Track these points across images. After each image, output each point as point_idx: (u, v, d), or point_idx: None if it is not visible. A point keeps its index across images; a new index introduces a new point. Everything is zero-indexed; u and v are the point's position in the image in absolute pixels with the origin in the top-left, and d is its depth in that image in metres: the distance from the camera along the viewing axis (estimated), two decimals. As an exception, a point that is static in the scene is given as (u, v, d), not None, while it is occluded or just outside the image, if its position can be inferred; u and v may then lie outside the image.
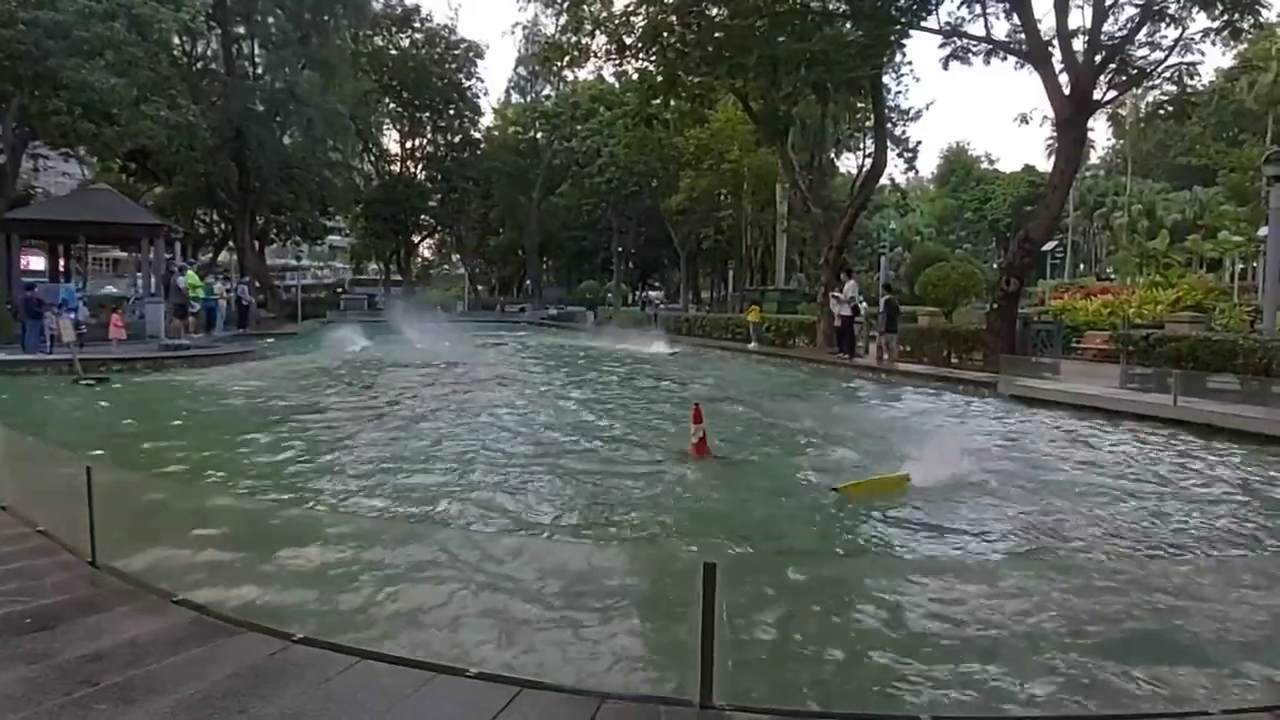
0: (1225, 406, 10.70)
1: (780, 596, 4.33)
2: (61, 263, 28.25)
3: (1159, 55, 17.50)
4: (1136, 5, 16.82)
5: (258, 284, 34.13)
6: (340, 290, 55.33)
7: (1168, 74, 17.73)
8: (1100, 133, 65.11)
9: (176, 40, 31.95)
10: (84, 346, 16.02)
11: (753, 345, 23.25)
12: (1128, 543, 5.64)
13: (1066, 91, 16.89)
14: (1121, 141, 59.85)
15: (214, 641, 2.98)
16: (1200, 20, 16.95)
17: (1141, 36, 17.25)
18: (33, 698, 2.51)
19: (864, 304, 20.74)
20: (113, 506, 4.22)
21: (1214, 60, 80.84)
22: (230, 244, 40.37)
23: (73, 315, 17.84)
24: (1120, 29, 17.09)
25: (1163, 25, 17.04)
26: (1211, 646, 3.79)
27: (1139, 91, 24.60)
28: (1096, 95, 17.28)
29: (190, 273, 22.83)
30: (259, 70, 36.03)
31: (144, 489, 5.44)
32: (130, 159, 30.04)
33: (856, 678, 3.50)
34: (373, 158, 53.52)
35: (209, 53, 34.78)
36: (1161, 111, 19.37)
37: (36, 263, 32.89)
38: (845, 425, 10.87)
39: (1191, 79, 17.73)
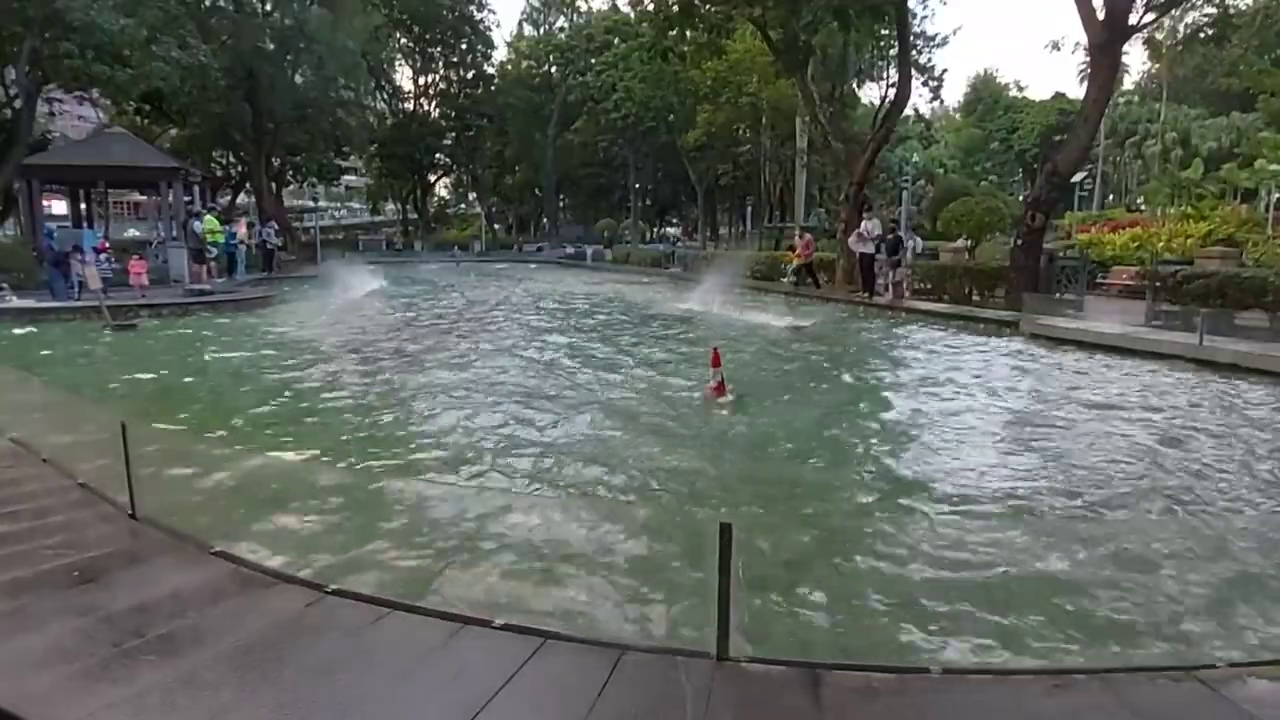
0: (1253, 345, 10.53)
1: (793, 548, 4.42)
2: (83, 207, 28.51)
3: (1199, -25, 16.71)
4: (1178, -78, 15.97)
5: (276, 225, 34.10)
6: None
7: (1208, -5, 16.93)
8: (1135, 57, 62.69)
9: (183, -24, 31.35)
10: (108, 293, 16.23)
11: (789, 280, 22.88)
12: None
13: (1101, 15, 16.23)
14: (1157, 66, 57.48)
15: (251, 593, 3.12)
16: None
17: (1182, -45, 16.44)
18: (85, 649, 2.65)
19: (914, 241, 21.02)
20: (150, 459, 4.37)
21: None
22: (247, 186, 40.37)
23: (99, 257, 18.08)
24: (1160, -53, 16.29)
25: (1205, -57, 16.24)
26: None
27: (1177, 13, 23.46)
28: (1132, 19, 16.56)
29: (209, 217, 22.84)
30: (267, 7, 35.34)
31: (178, 441, 5.61)
32: (144, 101, 29.84)
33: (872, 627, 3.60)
34: (386, 96, 52.77)
35: (216, -12, 34.09)
36: (1201, 35, 18.52)
37: (58, 207, 33.19)
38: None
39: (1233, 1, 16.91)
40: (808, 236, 23.30)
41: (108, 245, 21.59)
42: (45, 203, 27.55)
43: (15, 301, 15.77)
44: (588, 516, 4.68)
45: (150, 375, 9.58)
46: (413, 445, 6.48)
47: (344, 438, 6.61)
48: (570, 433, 6.87)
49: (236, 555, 3.48)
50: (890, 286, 18.82)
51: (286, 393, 8.63)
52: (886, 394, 9.18)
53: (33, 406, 6.19)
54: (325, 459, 6.03)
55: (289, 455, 5.94)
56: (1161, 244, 23.10)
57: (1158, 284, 15.24)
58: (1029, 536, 4.61)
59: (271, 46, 33.54)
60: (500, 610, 3.18)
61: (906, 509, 5.12)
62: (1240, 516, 5.04)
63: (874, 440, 6.94)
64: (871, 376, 10.59)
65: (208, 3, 33.03)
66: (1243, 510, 5.18)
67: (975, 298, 18.45)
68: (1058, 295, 17.75)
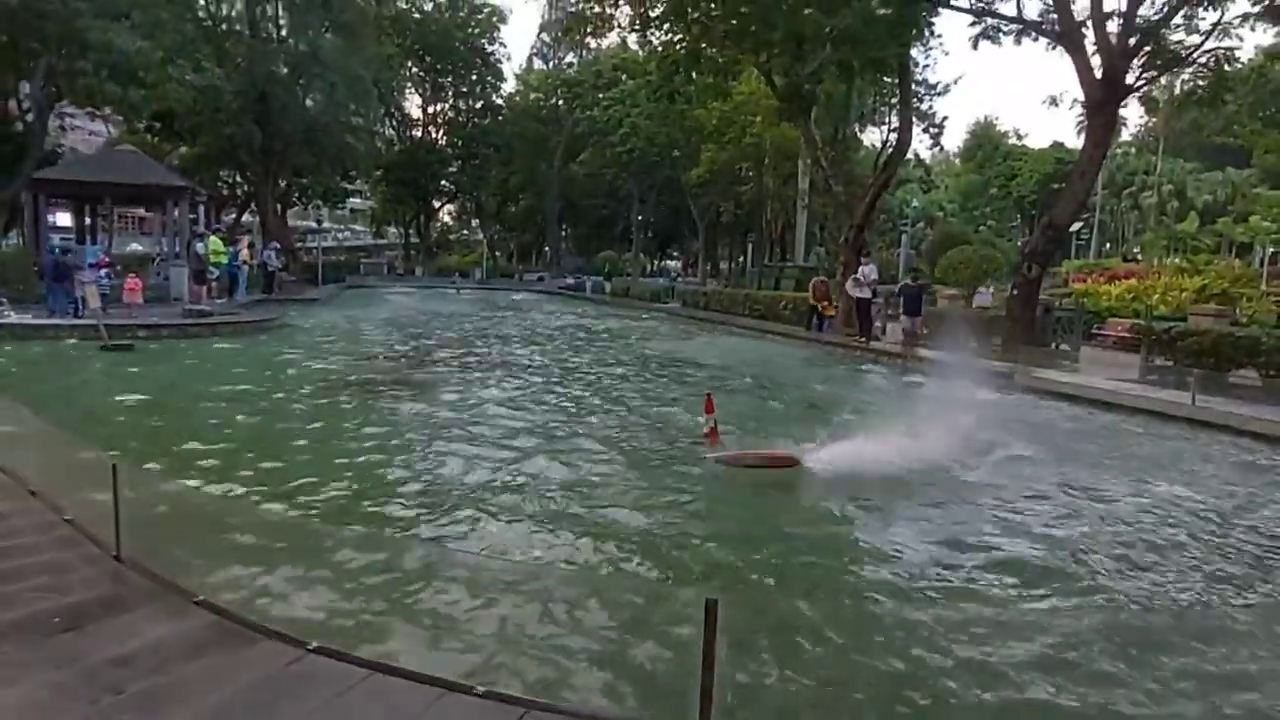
0: (1244, 407, 10.60)
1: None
2: (87, 221, 28.66)
3: (1195, 39, 17.10)
4: (1175, -13, 16.40)
5: (278, 245, 34.30)
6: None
7: (1203, 59, 17.26)
8: (1133, 110, 63.67)
9: (201, 1, 31.94)
10: (107, 310, 16.26)
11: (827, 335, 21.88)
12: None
13: (1098, 75, 16.57)
14: (1154, 120, 58.43)
15: (233, 648, 3.10)
16: (1241, 3, 16.52)
17: (1178, 19, 16.85)
18: (62, 706, 2.63)
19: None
20: (137, 499, 4.35)
21: (1256, 37, 78.41)
22: (253, 206, 40.67)
23: (100, 274, 18.14)
24: (1156, 12, 16.69)
25: (1200, 8, 16.62)
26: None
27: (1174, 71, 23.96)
28: (1129, 80, 16.92)
29: (213, 239, 22.95)
30: (283, 32, 35.94)
31: (166, 481, 5.60)
32: (155, 119, 30.20)
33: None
34: (394, 122, 53.46)
35: (233, 14, 34.70)
36: (1195, 96, 18.84)
37: (63, 219, 33.35)
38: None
39: (1229, 65, 17.24)
40: (824, 278, 22.61)
41: (109, 261, 21.69)
42: (50, 214, 27.70)
43: (13, 317, 15.77)
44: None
45: (138, 402, 9.56)
46: (435, 510, 6.02)
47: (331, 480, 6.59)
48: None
49: (220, 605, 3.47)
50: (904, 334, 18.50)
51: (279, 425, 8.63)
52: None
53: (24, 434, 6.18)
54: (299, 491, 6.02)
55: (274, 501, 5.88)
56: (1156, 297, 23.29)
57: (1152, 339, 15.37)
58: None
59: (285, 71, 34.04)
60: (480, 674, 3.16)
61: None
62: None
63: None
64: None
65: (224, 27, 33.58)
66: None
67: (971, 345, 18.52)
68: (1053, 346, 17.89)
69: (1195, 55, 17.10)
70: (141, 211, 47.35)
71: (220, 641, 3.16)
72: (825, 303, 21.13)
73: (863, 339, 19.05)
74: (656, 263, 65.35)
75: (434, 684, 2.89)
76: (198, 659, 3.01)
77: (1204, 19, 16.86)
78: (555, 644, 3.79)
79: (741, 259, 54.98)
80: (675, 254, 68.02)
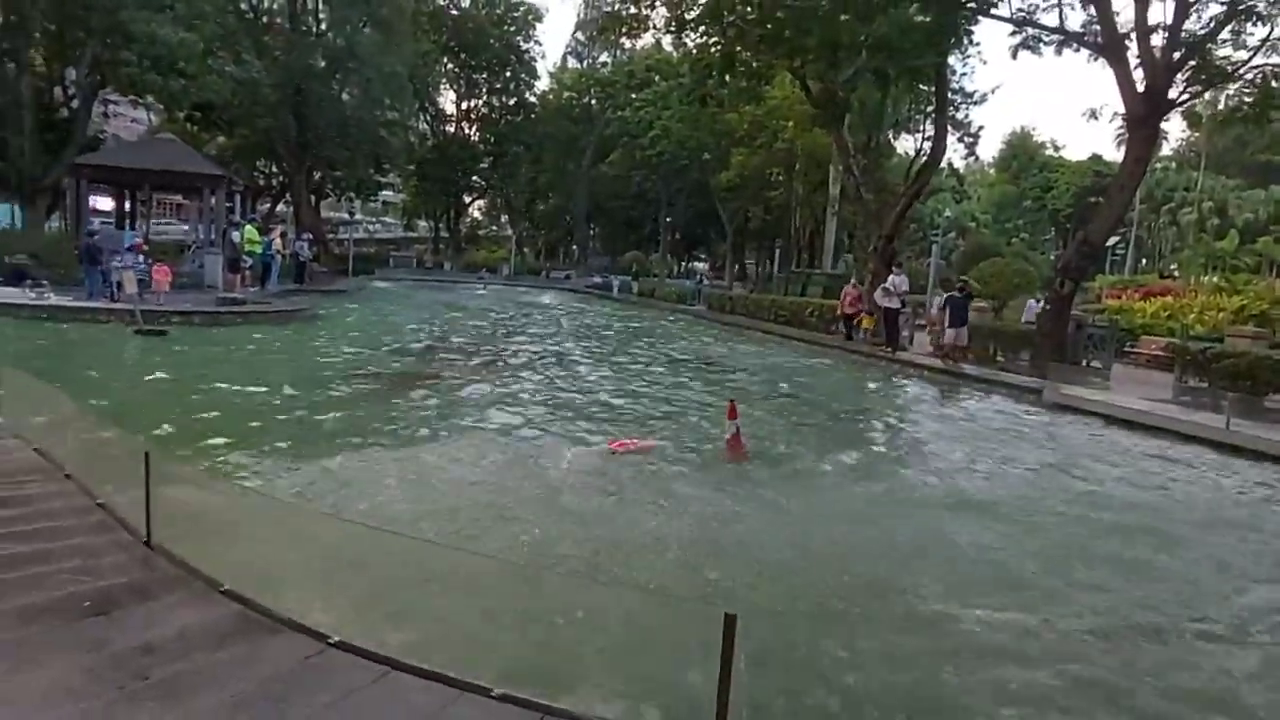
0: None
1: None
2: (128, 206, 29.25)
3: (1242, 55, 16.77)
4: (1222, 2, 16.06)
5: (311, 237, 34.72)
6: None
7: (1250, 75, 16.89)
8: (1174, 124, 62.56)
9: (243, -6, 32.48)
10: (143, 297, 16.58)
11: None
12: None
13: (1140, 89, 16.30)
14: (1196, 135, 57.29)
15: (256, 638, 3.14)
16: (1291, 19, 16.13)
17: (1224, 34, 16.51)
18: (90, 690, 2.68)
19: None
20: (169, 485, 4.42)
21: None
22: (287, 196, 41.24)
23: (138, 259, 18.49)
24: (1202, 26, 16.37)
25: (1249, 24, 16.27)
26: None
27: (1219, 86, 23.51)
28: (1172, 94, 16.62)
29: (248, 227, 23.30)
30: (322, 26, 36.41)
31: (199, 468, 5.69)
32: (195, 109, 30.73)
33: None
34: (429, 118, 53.93)
35: (274, 7, 35.22)
36: (1240, 113, 18.44)
37: (104, 203, 34.06)
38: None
39: (1276, 82, 16.84)
40: (856, 282, 22.23)
41: (145, 245, 22.08)
42: (91, 199, 28.26)
43: (53, 299, 16.13)
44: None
45: (171, 387, 9.73)
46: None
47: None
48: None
49: (244, 595, 3.51)
50: (939, 346, 18.12)
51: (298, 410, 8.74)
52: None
53: (59, 416, 6.29)
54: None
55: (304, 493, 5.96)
56: (1193, 316, 22.87)
57: (1187, 359, 15.09)
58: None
59: (322, 65, 34.51)
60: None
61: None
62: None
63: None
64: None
65: (264, 20, 34.09)
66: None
67: (999, 358, 18.35)
68: (1084, 363, 17.63)
69: (1242, 71, 16.75)
70: (179, 198, 48.22)
71: (244, 631, 3.21)
72: (863, 315, 20.73)
73: (889, 349, 18.88)
74: (683, 264, 65.29)
75: (451, 684, 2.91)
76: (221, 648, 3.05)
77: (1252, 34, 16.54)
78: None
79: (769, 264, 54.75)
80: (702, 256, 67.93)
